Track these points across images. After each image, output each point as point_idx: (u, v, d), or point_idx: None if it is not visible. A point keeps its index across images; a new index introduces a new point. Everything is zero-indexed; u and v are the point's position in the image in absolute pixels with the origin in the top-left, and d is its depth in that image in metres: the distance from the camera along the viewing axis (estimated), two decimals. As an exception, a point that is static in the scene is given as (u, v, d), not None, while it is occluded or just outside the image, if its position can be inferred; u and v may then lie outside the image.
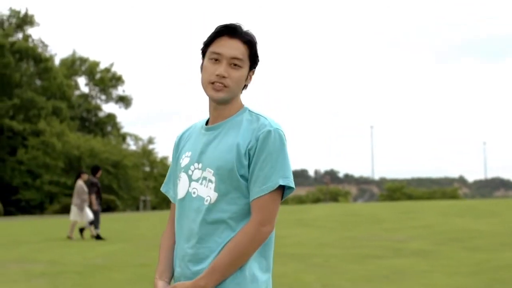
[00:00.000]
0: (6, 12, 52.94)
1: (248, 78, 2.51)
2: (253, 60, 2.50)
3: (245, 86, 2.52)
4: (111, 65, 64.47)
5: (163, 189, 2.73)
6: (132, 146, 62.10)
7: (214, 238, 2.38)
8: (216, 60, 2.44)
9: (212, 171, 2.41)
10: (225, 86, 2.42)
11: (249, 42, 2.46)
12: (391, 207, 29.52)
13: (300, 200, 65.97)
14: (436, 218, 21.18)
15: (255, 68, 2.53)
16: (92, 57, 76.07)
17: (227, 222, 2.38)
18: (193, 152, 2.51)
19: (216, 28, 2.47)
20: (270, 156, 2.36)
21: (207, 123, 2.57)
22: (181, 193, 2.52)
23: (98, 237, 16.48)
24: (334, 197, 68.50)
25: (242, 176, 2.38)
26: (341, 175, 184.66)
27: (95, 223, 16.71)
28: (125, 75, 73.00)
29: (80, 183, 17.12)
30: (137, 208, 51.65)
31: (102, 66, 63.66)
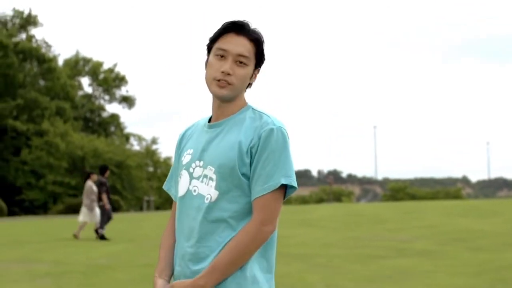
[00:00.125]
0: (9, 13, 53.08)
1: (253, 76, 2.48)
2: (259, 58, 2.47)
3: (250, 85, 2.49)
4: (115, 65, 64.52)
5: (165, 186, 2.71)
6: (135, 146, 62.20)
7: (214, 237, 2.35)
8: (221, 56, 2.41)
9: (213, 169, 2.38)
10: (229, 84, 2.39)
11: (256, 40, 2.43)
12: (395, 207, 29.49)
13: (303, 200, 65.98)
14: (439, 218, 21.16)
15: (260, 66, 2.50)
16: (96, 58, 76.46)
17: (228, 221, 2.35)
18: (195, 150, 2.49)
19: (223, 24, 2.44)
20: (273, 155, 2.33)
21: (210, 120, 2.55)
22: (181, 191, 2.49)
23: (102, 237, 16.51)
24: (337, 197, 68.46)
25: (243, 174, 2.36)
26: (344, 175, 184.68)
27: (101, 223, 16.75)
28: (128, 75, 73.27)
29: (89, 183, 17.19)
30: (141, 208, 51.65)
31: (105, 66, 63.72)
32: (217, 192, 2.36)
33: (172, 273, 2.51)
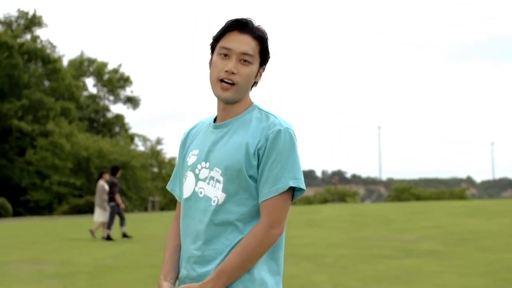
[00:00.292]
0: (14, 13, 53.14)
1: (258, 75, 2.43)
2: (264, 56, 2.42)
3: (255, 83, 2.44)
4: (119, 66, 64.59)
5: (169, 187, 2.66)
6: (140, 146, 62.26)
7: (221, 240, 2.31)
8: (225, 55, 2.36)
9: (220, 171, 2.34)
10: (233, 84, 2.35)
11: (260, 38, 2.39)
12: (400, 208, 29.45)
13: (308, 201, 65.87)
14: (445, 218, 21.12)
15: (265, 64, 2.45)
16: (100, 58, 76.71)
17: (235, 223, 2.31)
18: (201, 151, 2.44)
19: (226, 23, 2.39)
20: (280, 156, 2.29)
21: (215, 120, 2.50)
22: (187, 192, 2.45)
23: (108, 238, 16.52)
24: (341, 198, 68.35)
25: (251, 176, 2.32)
26: (348, 175, 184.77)
27: (108, 223, 16.78)
28: (133, 76, 73.48)
29: (101, 183, 17.31)
30: (146, 209, 51.67)
31: (110, 67, 63.86)
32: (224, 195, 2.32)
33: (177, 276, 2.47)
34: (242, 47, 2.35)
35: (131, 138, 62.14)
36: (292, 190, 2.33)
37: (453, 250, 12.89)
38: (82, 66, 62.67)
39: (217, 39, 2.41)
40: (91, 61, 63.24)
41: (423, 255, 12.07)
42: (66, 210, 42.27)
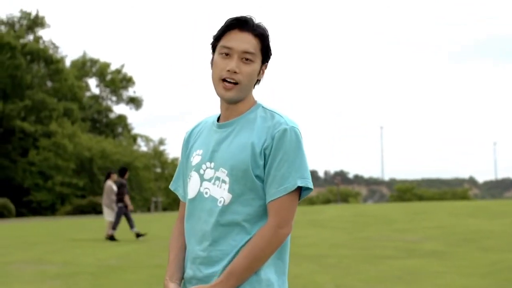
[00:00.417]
0: (17, 14, 53.31)
1: (260, 72, 2.41)
2: (266, 53, 2.40)
3: (258, 81, 2.42)
4: (122, 66, 64.78)
5: (171, 186, 2.64)
6: (143, 147, 62.36)
7: (228, 240, 2.29)
8: (226, 54, 2.34)
9: (226, 171, 2.31)
10: (236, 83, 2.33)
11: (261, 35, 2.36)
12: (403, 208, 29.41)
13: (310, 201, 65.84)
14: (448, 218, 21.10)
15: (267, 62, 2.43)
16: (103, 59, 76.60)
17: (242, 224, 2.29)
18: (205, 150, 2.42)
19: (226, 21, 2.37)
20: (287, 156, 2.27)
21: (218, 119, 2.48)
22: (191, 193, 2.42)
23: (111, 238, 16.55)
24: (344, 198, 68.30)
25: (257, 176, 2.29)
26: (350, 176, 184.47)
27: (114, 224, 16.82)
28: (135, 76, 73.52)
29: (109, 183, 17.37)
30: (149, 209, 51.69)
31: (112, 67, 63.98)
32: (230, 195, 2.30)
33: (183, 276, 2.45)
34: (243, 45, 2.33)
35: (134, 138, 62.22)
36: (299, 190, 2.32)
37: (456, 250, 12.89)
38: (85, 66, 62.74)
39: (217, 38, 2.39)
40: (94, 62, 63.31)
41: (425, 255, 12.07)
42: (69, 210, 42.32)
